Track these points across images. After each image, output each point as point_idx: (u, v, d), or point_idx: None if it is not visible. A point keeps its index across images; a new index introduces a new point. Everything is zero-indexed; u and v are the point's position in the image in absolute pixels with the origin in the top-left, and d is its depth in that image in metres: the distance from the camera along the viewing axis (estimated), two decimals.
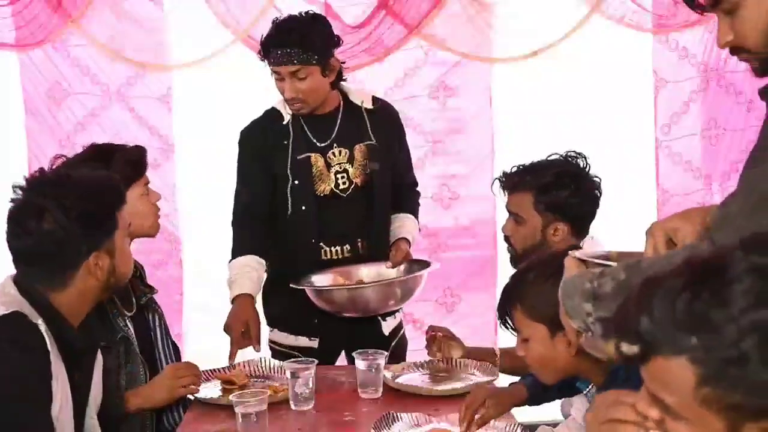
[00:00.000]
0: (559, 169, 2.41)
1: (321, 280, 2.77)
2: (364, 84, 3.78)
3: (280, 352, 2.81)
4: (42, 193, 1.78)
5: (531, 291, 1.81)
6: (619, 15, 3.78)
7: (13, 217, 1.77)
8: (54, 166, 2.24)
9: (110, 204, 1.85)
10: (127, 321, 2.28)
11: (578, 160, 2.43)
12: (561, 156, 2.45)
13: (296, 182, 2.74)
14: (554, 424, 2.28)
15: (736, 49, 1.45)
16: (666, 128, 3.92)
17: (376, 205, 2.82)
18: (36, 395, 1.59)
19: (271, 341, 2.89)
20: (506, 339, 3.53)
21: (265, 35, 2.69)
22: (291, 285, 2.69)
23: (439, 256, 3.81)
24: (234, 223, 2.84)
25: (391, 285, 2.72)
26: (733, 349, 0.80)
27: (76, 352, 1.71)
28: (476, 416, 2.02)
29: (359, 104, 2.84)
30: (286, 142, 2.75)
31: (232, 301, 2.66)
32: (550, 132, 3.78)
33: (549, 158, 2.45)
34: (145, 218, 2.37)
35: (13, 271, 1.80)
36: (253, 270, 2.72)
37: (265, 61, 2.70)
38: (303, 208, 2.74)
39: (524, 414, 2.24)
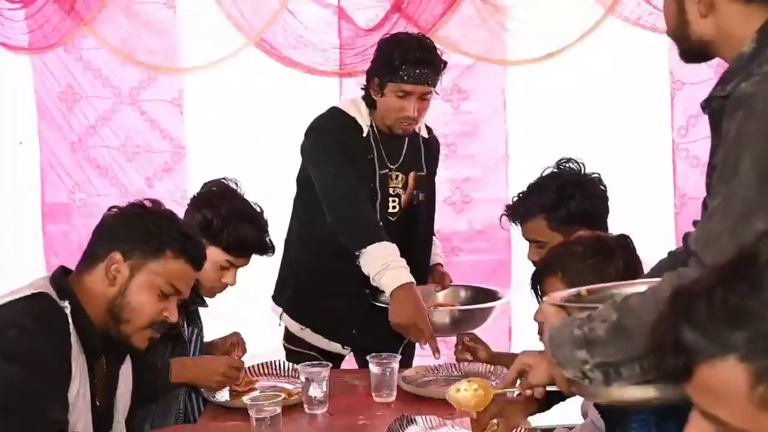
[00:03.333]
0: (558, 181, 2.38)
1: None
2: None
3: (297, 352, 2.75)
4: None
5: (575, 262, 1.87)
6: (634, 17, 3.75)
7: None
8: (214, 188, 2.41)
9: (177, 247, 1.79)
10: (185, 321, 2.32)
11: (570, 165, 2.42)
12: (553, 168, 2.43)
13: (378, 198, 2.69)
14: (571, 427, 2.25)
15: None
16: (683, 131, 3.87)
17: (419, 233, 2.81)
18: (55, 372, 1.58)
19: (301, 339, 2.82)
20: (519, 344, 3.51)
21: (400, 50, 2.56)
22: (373, 302, 2.63)
23: (452, 260, 3.78)
24: (346, 199, 2.57)
25: (485, 311, 2.67)
26: None
27: (91, 344, 1.69)
28: None
29: (417, 131, 2.80)
30: (371, 156, 2.68)
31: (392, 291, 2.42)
32: (564, 135, 3.74)
33: (543, 174, 2.43)
34: (207, 282, 2.34)
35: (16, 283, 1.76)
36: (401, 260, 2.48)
37: (387, 77, 2.57)
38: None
39: (542, 416, 2.20)
